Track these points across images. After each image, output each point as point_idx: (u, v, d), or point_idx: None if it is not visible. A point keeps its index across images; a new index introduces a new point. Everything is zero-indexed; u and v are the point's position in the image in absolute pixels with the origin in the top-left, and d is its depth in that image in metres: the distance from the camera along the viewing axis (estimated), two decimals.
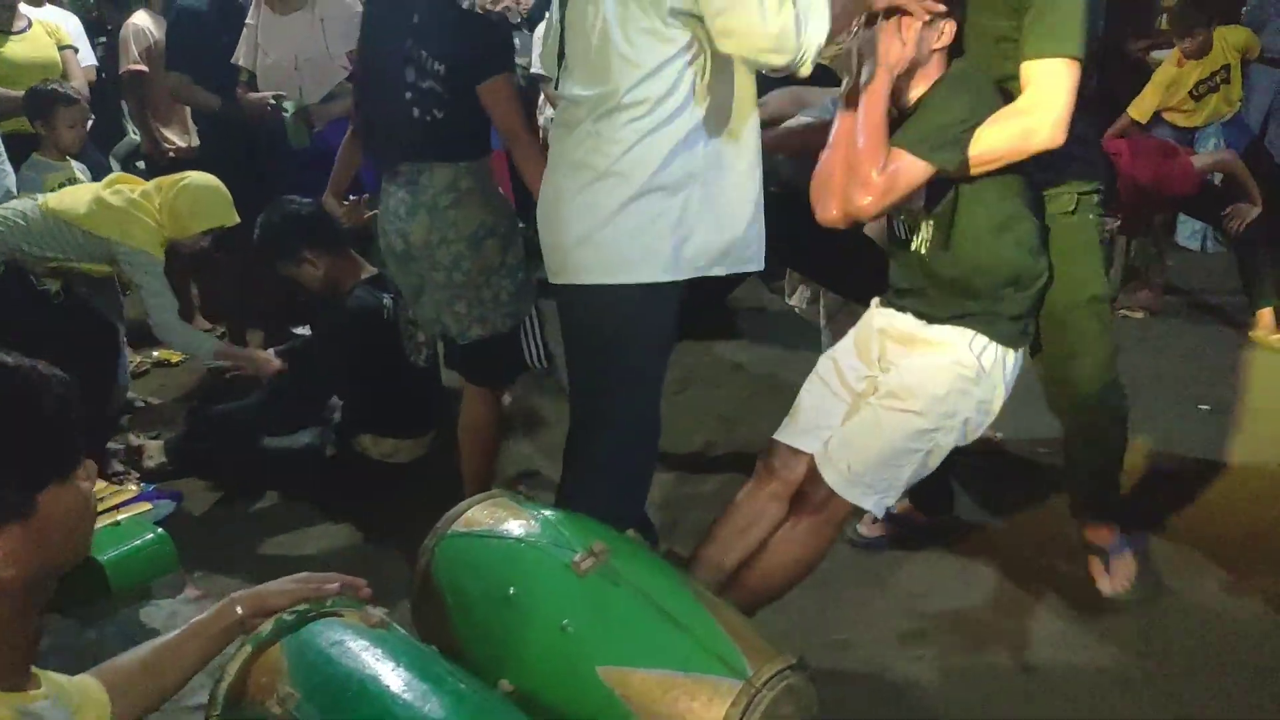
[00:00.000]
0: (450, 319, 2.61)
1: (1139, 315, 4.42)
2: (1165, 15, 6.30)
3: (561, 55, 1.97)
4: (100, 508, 2.64)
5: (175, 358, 4.32)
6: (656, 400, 2.16)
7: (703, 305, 3.49)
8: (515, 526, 1.78)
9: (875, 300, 2.21)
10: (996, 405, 2.04)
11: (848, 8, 1.86)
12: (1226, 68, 4.83)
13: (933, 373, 1.99)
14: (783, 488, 2.09)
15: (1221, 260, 4.87)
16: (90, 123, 3.85)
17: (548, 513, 1.81)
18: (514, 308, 2.60)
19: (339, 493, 3.06)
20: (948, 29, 1.92)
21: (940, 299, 2.03)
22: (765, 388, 3.84)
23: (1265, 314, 4.07)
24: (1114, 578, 2.44)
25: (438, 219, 2.49)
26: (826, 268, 3.63)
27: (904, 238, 2.09)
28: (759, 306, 4.63)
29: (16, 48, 4.04)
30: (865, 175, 1.89)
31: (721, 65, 1.86)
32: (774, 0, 1.73)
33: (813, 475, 2.02)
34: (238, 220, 3.27)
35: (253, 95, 3.73)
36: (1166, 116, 5.06)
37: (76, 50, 4.31)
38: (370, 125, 2.69)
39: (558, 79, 1.98)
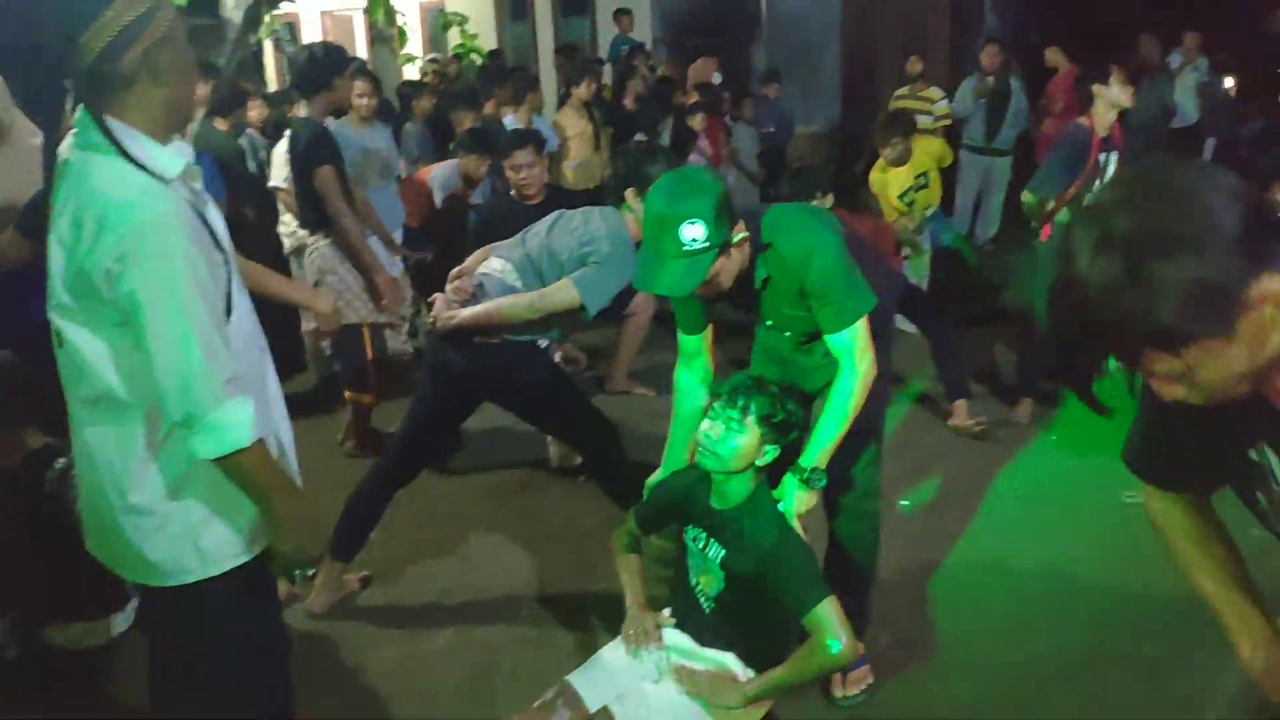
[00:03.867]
0: None
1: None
2: None
3: None
4: None
5: None
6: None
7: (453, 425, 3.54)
8: None
9: (667, 611, 2.42)
10: None
11: None
12: (925, 174, 5.34)
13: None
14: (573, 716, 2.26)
15: None
16: None
17: None
18: None
19: (29, 691, 2.82)
20: None
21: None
22: (513, 512, 3.90)
23: (961, 404, 4.48)
24: (848, 683, 2.76)
25: None
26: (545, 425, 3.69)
27: (693, 584, 2.35)
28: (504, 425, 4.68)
29: None
30: None
31: None
32: None
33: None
34: None
35: None
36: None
37: None
38: None
39: None
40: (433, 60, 8.90)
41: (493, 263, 3.16)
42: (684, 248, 2.07)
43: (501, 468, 4.30)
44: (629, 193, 3.07)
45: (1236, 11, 13.30)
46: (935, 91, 7.72)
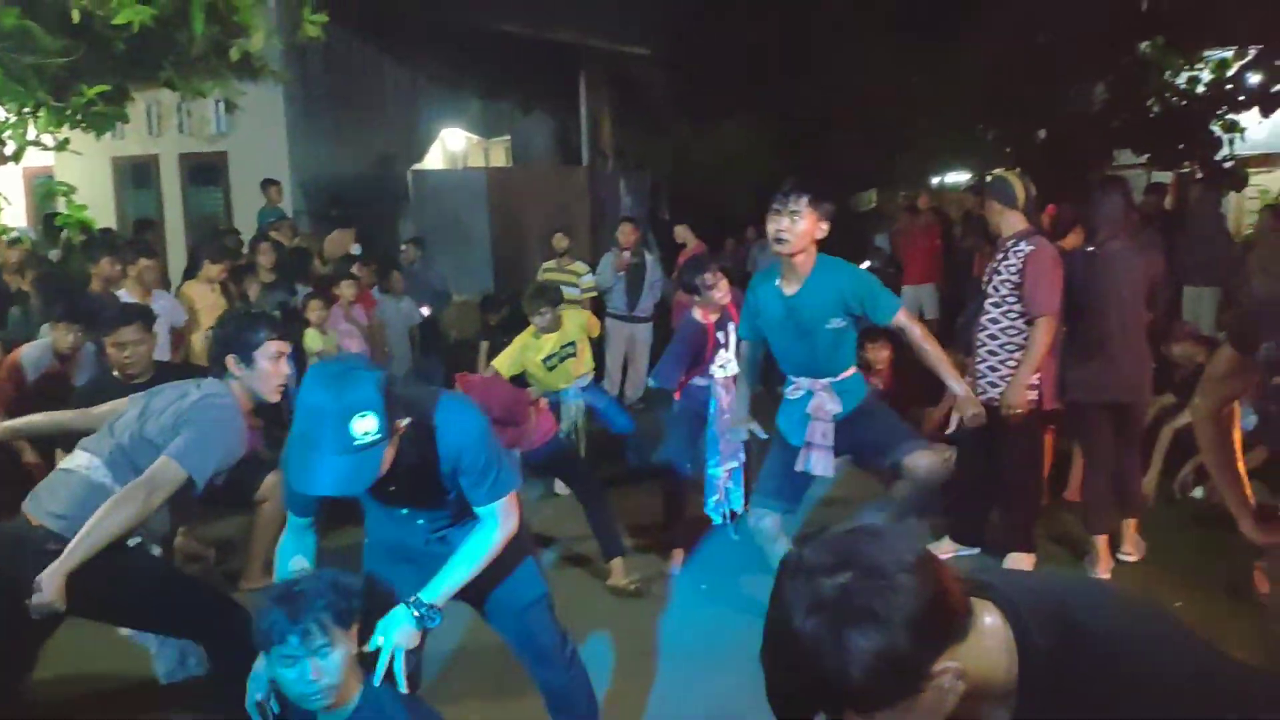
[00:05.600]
0: None
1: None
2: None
3: None
4: None
5: None
6: None
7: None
8: None
9: None
10: None
11: None
12: (573, 343, 5.43)
13: None
14: None
15: None
16: None
17: None
18: None
19: None
20: None
21: None
22: None
23: (617, 562, 4.46)
24: None
25: None
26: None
27: None
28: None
29: None
30: None
31: None
32: None
33: None
34: None
35: None
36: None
37: None
38: None
39: None
40: (15, 239, 7.84)
41: (77, 457, 2.74)
42: (354, 443, 1.95)
43: (106, 693, 3.61)
44: (230, 359, 2.82)
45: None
46: (581, 266, 8.10)
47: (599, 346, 6.71)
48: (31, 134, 7.30)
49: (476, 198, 10.62)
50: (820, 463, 3.56)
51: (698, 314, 4.59)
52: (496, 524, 2.36)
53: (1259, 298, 2.24)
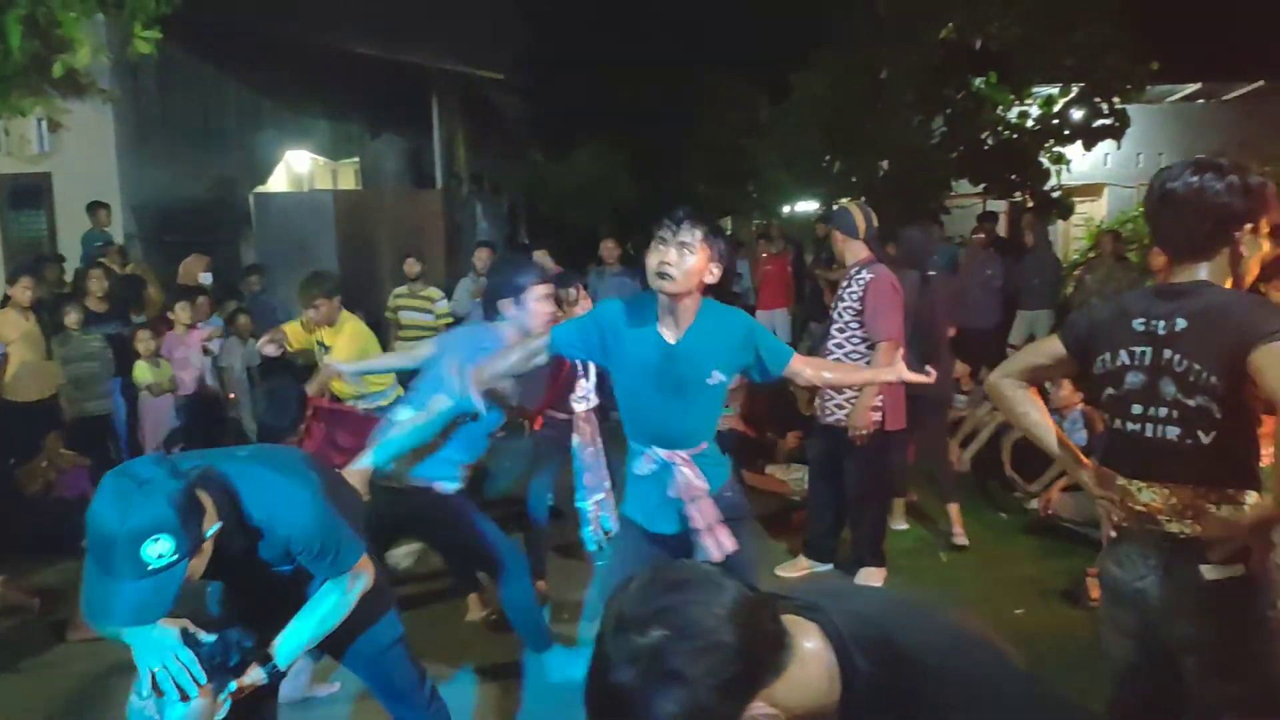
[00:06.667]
0: None
1: None
2: None
3: None
4: None
5: None
6: None
7: None
8: None
9: None
10: None
11: None
12: (324, 343, 5.09)
13: None
14: None
15: None
16: None
17: None
18: None
19: None
20: None
21: None
22: None
23: (473, 597, 4.35)
24: None
25: None
26: None
27: None
28: None
29: None
30: None
31: None
32: None
33: None
34: None
35: None
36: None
37: None
38: None
39: None
40: None
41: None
42: (148, 567, 1.77)
43: None
44: (504, 303, 3.39)
45: None
46: (435, 291, 7.91)
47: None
48: None
49: (323, 221, 10.25)
50: (714, 545, 2.86)
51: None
52: (342, 589, 2.29)
53: (1095, 316, 2.29)
